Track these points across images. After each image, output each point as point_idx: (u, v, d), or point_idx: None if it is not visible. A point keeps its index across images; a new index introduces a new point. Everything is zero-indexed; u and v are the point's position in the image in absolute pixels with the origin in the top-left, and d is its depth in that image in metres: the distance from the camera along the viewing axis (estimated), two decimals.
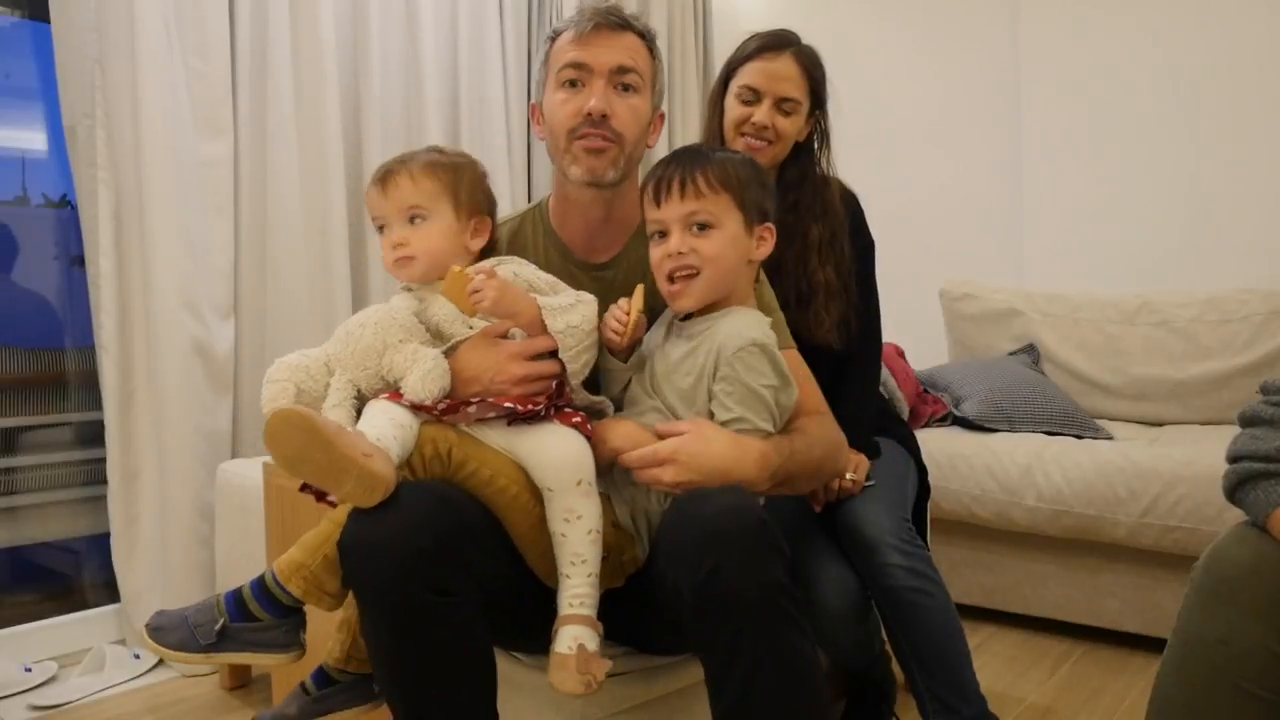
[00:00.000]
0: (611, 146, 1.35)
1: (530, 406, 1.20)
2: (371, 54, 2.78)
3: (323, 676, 1.25)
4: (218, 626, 1.12)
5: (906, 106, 3.60)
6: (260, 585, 1.15)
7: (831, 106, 1.79)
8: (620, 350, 1.30)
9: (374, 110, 2.78)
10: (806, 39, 1.78)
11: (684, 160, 1.28)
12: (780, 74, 1.72)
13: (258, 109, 2.57)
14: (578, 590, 1.18)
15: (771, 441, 1.25)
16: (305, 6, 2.62)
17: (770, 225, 1.31)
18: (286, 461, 1.05)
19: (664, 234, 1.27)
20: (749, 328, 1.24)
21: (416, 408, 1.18)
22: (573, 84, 1.36)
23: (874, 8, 3.71)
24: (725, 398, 1.22)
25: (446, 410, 1.19)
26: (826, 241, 1.73)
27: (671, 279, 1.26)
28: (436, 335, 1.29)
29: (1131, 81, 3.16)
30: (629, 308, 1.27)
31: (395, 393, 1.20)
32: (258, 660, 1.15)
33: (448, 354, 1.24)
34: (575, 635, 1.16)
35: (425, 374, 1.18)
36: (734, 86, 1.75)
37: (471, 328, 1.27)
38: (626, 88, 1.36)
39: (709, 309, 1.29)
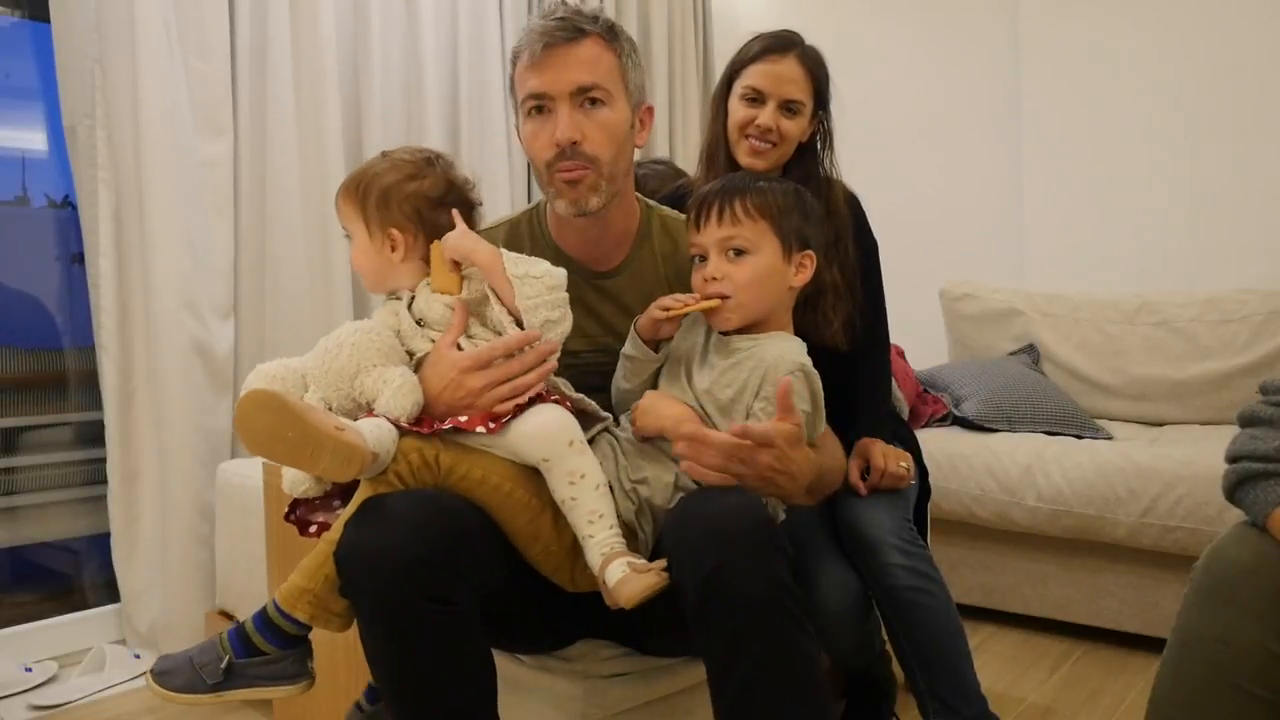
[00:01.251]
0: (588, 173, 1.30)
1: (500, 425, 1.18)
2: (372, 53, 2.78)
3: (374, 692, 1.26)
4: (223, 664, 1.11)
5: (907, 106, 3.59)
6: (263, 618, 1.13)
7: (834, 107, 1.78)
8: (649, 336, 1.31)
9: (374, 110, 2.78)
10: (807, 39, 1.78)
11: (726, 187, 1.29)
12: (785, 76, 1.71)
13: (258, 109, 2.57)
14: (605, 540, 1.16)
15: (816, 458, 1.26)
16: (305, 6, 2.62)
17: (810, 253, 1.31)
18: (259, 445, 1.05)
19: (703, 258, 1.29)
20: (795, 353, 1.26)
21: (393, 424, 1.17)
22: (539, 111, 1.31)
23: (874, 7, 3.71)
24: (765, 416, 1.22)
25: (423, 428, 1.17)
26: (831, 242, 1.73)
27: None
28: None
29: (1131, 81, 3.16)
30: (690, 299, 1.28)
31: (370, 413, 1.18)
32: (267, 694, 1.14)
33: (418, 368, 1.23)
34: (621, 563, 1.14)
35: (395, 390, 1.17)
36: (738, 88, 1.74)
37: (433, 341, 1.24)
38: (593, 102, 1.30)
39: (751, 328, 1.30)
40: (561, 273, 1.24)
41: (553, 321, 1.23)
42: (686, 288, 1.32)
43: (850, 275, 1.72)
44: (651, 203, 1.51)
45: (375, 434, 1.12)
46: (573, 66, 1.29)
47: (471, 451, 1.18)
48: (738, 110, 1.73)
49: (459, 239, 1.23)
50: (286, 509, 1.24)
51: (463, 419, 1.17)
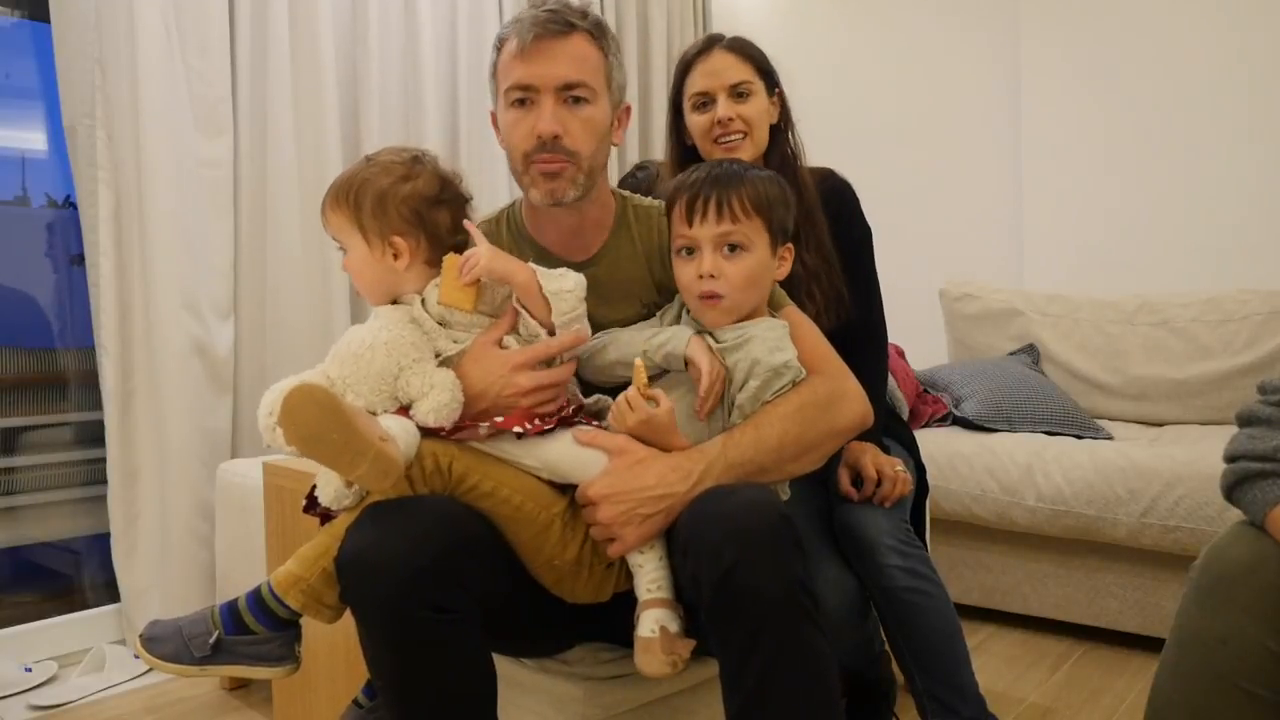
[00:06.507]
0: (567, 166, 1.29)
1: (542, 426, 1.17)
2: (371, 53, 2.78)
3: (372, 689, 1.24)
4: (212, 639, 1.10)
5: (907, 106, 3.59)
6: (256, 598, 1.13)
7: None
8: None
9: (373, 109, 2.79)
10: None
11: (720, 180, 1.25)
12: (719, 66, 1.71)
13: (258, 109, 2.57)
14: (653, 576, 1.17)
15: (698, 450, 1.20)
16: (305, 6, 2.62)
17: (790, 245, 1.30)
18: (302, 440, 1.02)
19: (692, 250, 1.26)
20: (776, 345, 1.24)
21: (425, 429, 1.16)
22: (522, 102, 1.29)
23: (874, 7, 3.71)
24: (750, 407, 1.22)
25: (455, 430, 1.17)
26: (802, 224, 1.70)
27: (700, 296, 1.27)
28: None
29: (1131, 82, 3.16)
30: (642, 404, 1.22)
31: (404, 409, 1.17)
32: (252, 673, 1.14)
33: (443, 366, 1.21)
34: (656, 618, 1.14)
35: (439, 407, 1.15)
36: (686, 107, 1.75)
37: (456, 341, 1.23)
38: (577, 100, 1.29)
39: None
40: (583, 279, 1.25)
41: (579, 333, 1.24)
42: (666, 273, 1.33)
43: (826, 253, 1.70)
44: (625, 193, 1.50)
45: (405, 439, 1.11)
46: (561, 61, 1.28)
47: (485, 461, 1.17)
48: (697, 123, 1.73)
49: (493, 262, 1.19)
50: (305, 501, 1.21)
51: (499, 419, 1.17)
